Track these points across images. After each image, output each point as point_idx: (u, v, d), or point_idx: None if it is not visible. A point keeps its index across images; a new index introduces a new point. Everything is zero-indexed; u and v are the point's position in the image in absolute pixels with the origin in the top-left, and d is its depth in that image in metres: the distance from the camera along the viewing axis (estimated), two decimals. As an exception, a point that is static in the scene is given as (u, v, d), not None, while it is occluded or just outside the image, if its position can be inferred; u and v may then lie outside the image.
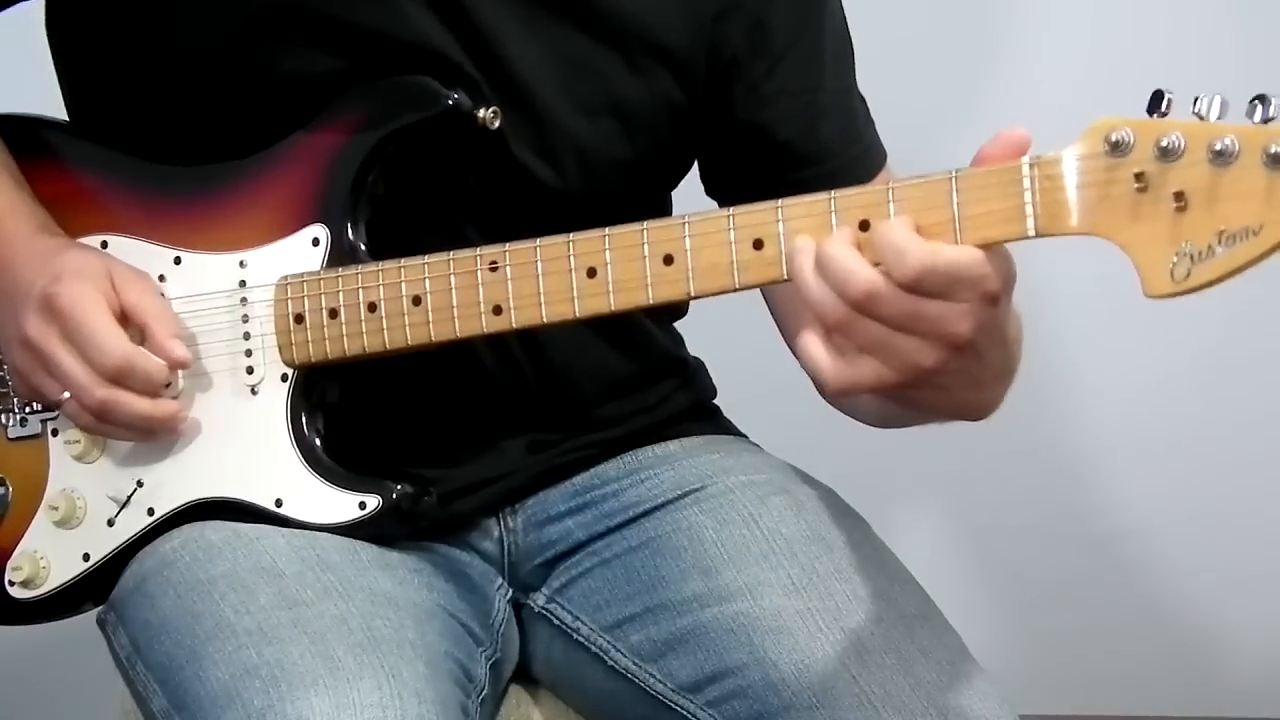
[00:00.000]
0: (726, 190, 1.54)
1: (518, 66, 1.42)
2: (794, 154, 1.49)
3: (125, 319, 1.40)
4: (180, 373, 1.42)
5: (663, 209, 1.57)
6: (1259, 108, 1.11)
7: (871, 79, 1.55)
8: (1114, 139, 1.14)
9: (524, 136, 1.43)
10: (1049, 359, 2.38)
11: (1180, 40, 2.21)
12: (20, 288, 1.41)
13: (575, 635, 1.49)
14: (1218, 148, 1.11)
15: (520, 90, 1.42)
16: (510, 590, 1.51)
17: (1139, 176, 1.14)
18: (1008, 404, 2.37)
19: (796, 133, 1.49)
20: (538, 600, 1.52)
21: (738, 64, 1.48)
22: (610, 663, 1.46)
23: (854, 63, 1.54)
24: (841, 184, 1.24)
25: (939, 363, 1.18)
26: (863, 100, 1.54)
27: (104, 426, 1.42)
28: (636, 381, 1.55)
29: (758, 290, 1.36)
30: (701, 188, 1.56)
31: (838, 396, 1.40)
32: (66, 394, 1.40)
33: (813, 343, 1.20)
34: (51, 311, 1.39)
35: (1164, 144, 1.12)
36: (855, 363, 1.19)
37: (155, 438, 1.43)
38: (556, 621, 1.50)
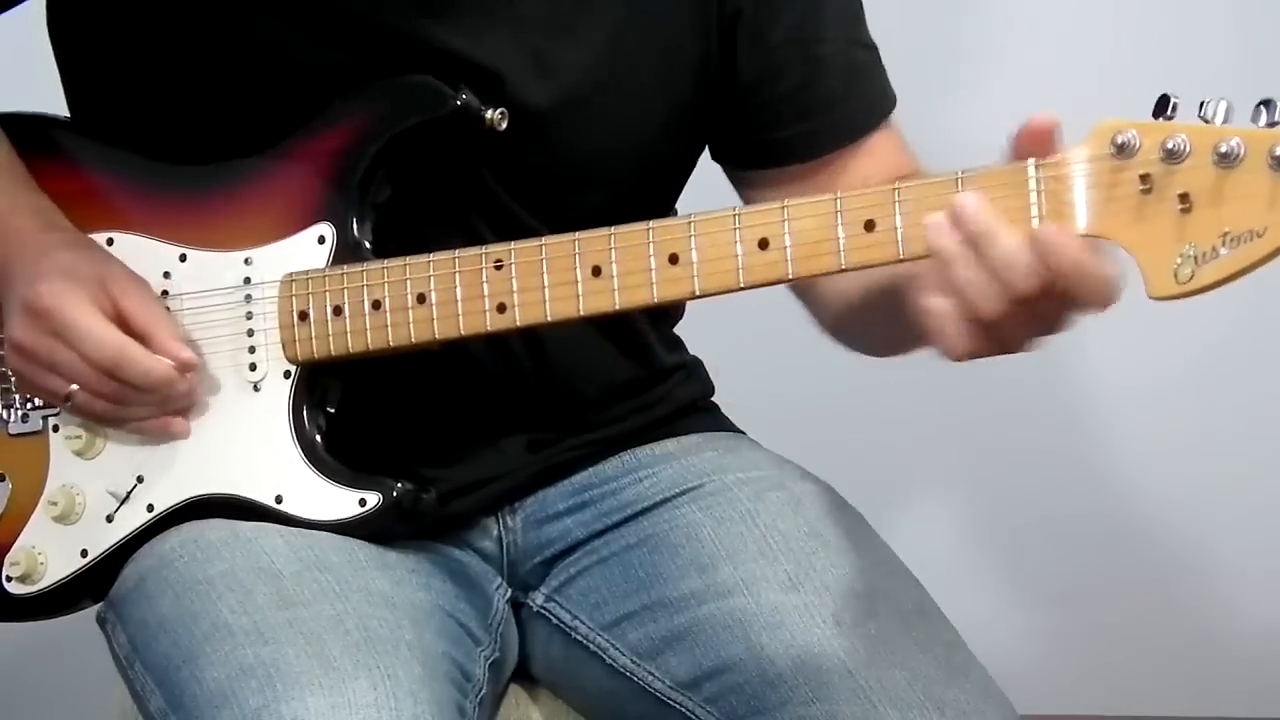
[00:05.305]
0: (732, 152, 1.54)
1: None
2: (797, 105, 1.48)
3: (125, 325, 1.40)
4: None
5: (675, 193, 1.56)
6: (1264, 112, 1.11)
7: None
8: (1119, 141, 1.14)
9: (545, 126, 1.42)
10: (1058, 356, 2.37)
11: (1186, 43, 2.21)
12: (12, 288, 1.41)
13: (574, 634, 1.48)
14: (1223, 150, 1.11)
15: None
16: (509, 589, 1.51)
17: (1144, 178, 1.14)
18: (1010, 402, 2.36)
19: (799, 83, 1.48)
20: (536, 599, 1.51)
21: (740, 15, 1.47)
22: (609, 661, 1.46)
23: (862, 13, 1.53)
24: (843, 137, 1.23)
25: (1034, 345, 1.23)
26: (870, 49, 1.53)
27: (120, 412, 1.42)
28: (636, 385, 1.55)
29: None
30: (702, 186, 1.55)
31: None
32: (74, 386, 1.40)
33: (949, 320, 1.20)
34: (35, 313, 1.39)
35: (1169, 146, 1.13)
36: (979, 338, 1.20)
37: (171, 427, 1.42)
38: (555, 621, 1.50)
